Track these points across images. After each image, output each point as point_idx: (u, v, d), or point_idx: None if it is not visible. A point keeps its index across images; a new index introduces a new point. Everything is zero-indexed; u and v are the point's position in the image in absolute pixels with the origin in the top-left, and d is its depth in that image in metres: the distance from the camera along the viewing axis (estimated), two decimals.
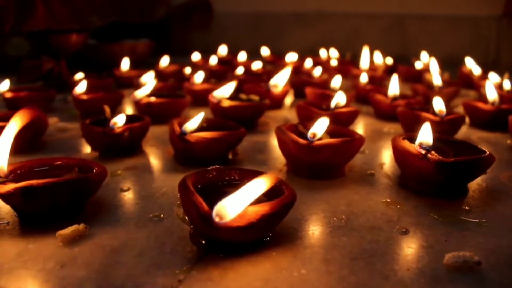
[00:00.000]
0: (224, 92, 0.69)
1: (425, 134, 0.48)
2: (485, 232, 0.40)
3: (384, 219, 0.42)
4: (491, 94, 0.74)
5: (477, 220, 0.42)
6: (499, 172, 0.55)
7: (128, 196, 0.46)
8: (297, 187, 0.47)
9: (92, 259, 0.34)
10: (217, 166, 0.41)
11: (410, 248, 0.37)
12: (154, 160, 0.58)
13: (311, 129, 0.50)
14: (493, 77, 1.01)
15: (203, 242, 0.36)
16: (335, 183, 0.50)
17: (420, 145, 0.46)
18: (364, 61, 1.22)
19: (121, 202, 0.45)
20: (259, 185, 0.34)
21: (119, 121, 0.57)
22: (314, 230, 0.39)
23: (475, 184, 0.51)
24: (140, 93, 0.73)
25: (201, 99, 0.82)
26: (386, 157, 0.60)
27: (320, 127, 0.50)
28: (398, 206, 0.44)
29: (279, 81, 0.83)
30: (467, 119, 0.78)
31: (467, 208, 0.44)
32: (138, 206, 0.44)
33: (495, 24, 1.51)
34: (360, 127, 0.75)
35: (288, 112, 0.85)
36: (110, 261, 0.34)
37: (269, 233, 0.37)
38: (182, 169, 0.54)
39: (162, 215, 0.42)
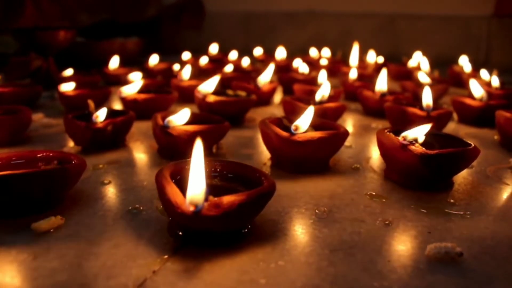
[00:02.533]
0: (208, 86, 0.69)
1: (416, 131, 0.47)
2: (468, 224, 0.39)
3: (367, 212, 0.41)
4: (477, 91, 0.74)
5: (461, 213, 0.41)
6: (485, 166, 0.55)
7: (108, 189, 0.45)
8: (280, 180, 0.47)
9: (66, 250, 0.33)
10: None
11: (392, 240, 0.36)
12: (138, 155, 0.57)
13: (295, 122, 0.49)
14: (484, 74, 1.01)
15: (180, 233, 0.35)
16: (319, 177, 0.49)
17: (404, 138, 0.46)
18: (354, 58, 1.21)
19: (101, 195, 0.44)
20: (199, 159, 0.34)
21: (101, 115, 0.56)
22: (295, 222, 0.39)
23: (461, 178, 0.50)
24: (127, 90, 0.72)
25: (188, 95, 0.81)
26: (373, 151, 0.59)
27: (305, 119, 0.50)
28: (383, 200, 0.44)
29: (265, 77, 0.83)
30: (455, 116, 0.78)
31: (451, 201, 0.44)
32: (117, 199, 0.43)
33: (485, 24, 1.51)
34: (348, 123, 0.75)
35: (276, 108, 0.84)
36: (84, 253, 0.33)
37: (247, 224, 0.36)
38: (165, 163, 0.53)
39: (141, 208, 0.41)
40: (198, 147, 0.34)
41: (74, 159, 0.43)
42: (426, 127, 0.48)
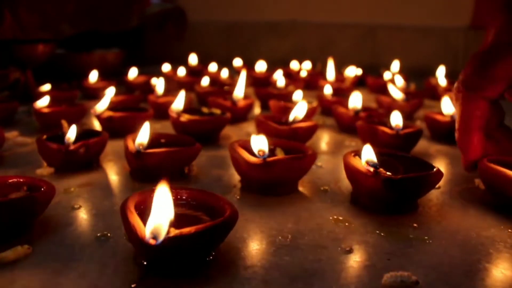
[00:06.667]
0: (179, 104, 0.69)
1: (368, 153, 0.49)
2: (428, 249, 0.40)
3: (330, 237, 0.42)
4: (447, 108, 0.75)
5: (423, 237, 0.42)
6: (452, 186, 0.56)
7: (78, 214, 0.46)
8: (248, 204, 0.48)
9: (31, 282, 0.34)
10: None
11: (351, 268, 0.37)
12: (110, 176, 0.57)
13: (256, 146, 0.50)
14: None
15: (145, 263, 0.36)
16: (287, 200, 0.50)
17: (368, 163, 0.47)
18: (330, 73, 1.22)
19: (70, 220, 0.44)
20: (165, 194, 0.35)
21: (72, 135, 0.56)
22: (258, 249, 0.39)
23: (426, 200, 0.51)
24: (100, 107, 0.72)
25: (165, 112, 0.82)
26: (342, 172, 0.60)
27: (260, 142, 0.51)
28: (346, 224, 0.45)
29: (240, 91, 0.84)
30: (428, 132, 0.79)
31: (415, 225, 0.45)
32: (86, 225, 0.44)
33: (462, 35, 1.54)
34: (321, 141, 0.76)
35: (252, 125, 0.85)
36: (49, 284, 0.34)
37: (211, 252, 0.37)
38: (137, 185, 0.54)
39: (109, 234, 0.41)
40: (163, 184, 0.35)
41: (44, 185, 0.43)
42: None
